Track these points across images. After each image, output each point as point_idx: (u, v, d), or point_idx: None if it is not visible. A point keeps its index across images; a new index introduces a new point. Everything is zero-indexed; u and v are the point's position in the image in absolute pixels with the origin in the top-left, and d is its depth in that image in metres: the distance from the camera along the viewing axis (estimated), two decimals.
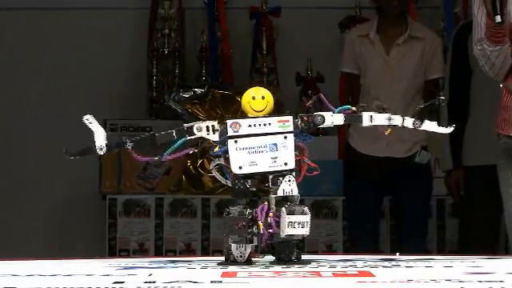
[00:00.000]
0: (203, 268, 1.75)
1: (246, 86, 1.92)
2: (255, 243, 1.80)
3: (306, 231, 1.78)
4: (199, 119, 1.89)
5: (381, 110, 1.90)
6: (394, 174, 4.40)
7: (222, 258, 1.84)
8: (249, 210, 1.79)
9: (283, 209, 1.78)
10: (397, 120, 1.85)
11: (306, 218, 1.78)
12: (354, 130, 4.38)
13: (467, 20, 5.30)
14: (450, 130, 1.87)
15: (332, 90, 5.73)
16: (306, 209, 1.79)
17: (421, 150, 4.41)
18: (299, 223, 1.77)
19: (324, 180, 5.12)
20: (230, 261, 1.81)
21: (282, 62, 5.97)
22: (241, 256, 1.80)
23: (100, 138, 1.83)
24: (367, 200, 4.50)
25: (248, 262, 1.80)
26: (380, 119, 1.86)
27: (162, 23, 5.95)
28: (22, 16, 5.86)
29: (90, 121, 1.82)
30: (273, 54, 5.94)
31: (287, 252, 1.80)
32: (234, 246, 1.80)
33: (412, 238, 4.47)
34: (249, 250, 1.80)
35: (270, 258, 1.84)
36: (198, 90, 5.50)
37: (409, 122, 1.85)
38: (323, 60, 5.79)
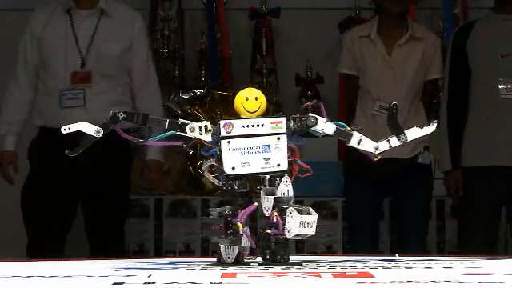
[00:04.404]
0: (203, 269, 1.75)
1: (245, 87, 1.92)
2: (244, 244, 1.80)
3: (313, 231, 1.80)
4: (198, 120, 1.89)
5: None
6: (396, 175, 4.40)
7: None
8: (227, 212, 1.79)
9: (293, 209, 1.78)
10: (383, 145, 1.86)
11: (314, 218, 1.80)
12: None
13: (466, 21, 5.32)
14: (433, 127, 1.89)
15: (332, 91, 5.74)
16: (311, 209, 1.81)
17: (424, 151, 4.41)
18: (308, 223, 1.79)
19: (324, 181, 5.13)
20: (220, 262, 1.81)
21: (281, 63, 5.97)
22: (229, 257, 1.81)
23: (87, 127, 1.85)
24: (368, 200, 4.50)
25: (237, 262, 1.81)
26: (367, 146, 1.86)
27: (161, 24, 5.96)
28: (23, 17, 5.85)
29: (67, 127, 1.84)
30: (272, 55, 5.95)
31: (282, 253, 1.81)
32: (222, 247, 1.80)
33: (412, 239, 4.47)
34: (236, 251, 1.80)
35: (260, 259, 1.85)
36: (198, 91, 5.51)
37: (395, 141, 1.87)
38: (323, 61, 5.79)
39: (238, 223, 1.78)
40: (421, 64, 4.48)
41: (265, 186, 1.82)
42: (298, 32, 6.04)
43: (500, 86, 4.37)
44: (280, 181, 1.81)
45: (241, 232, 1.78)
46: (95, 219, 4.34)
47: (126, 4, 4.53)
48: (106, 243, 4.32)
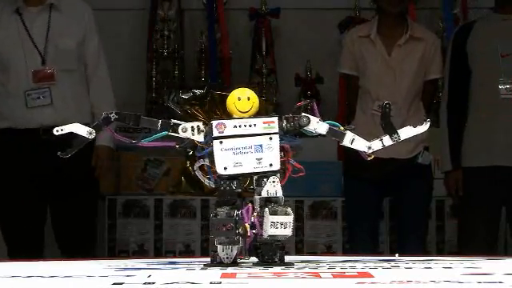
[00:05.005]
0: (203, 269, 1.75)
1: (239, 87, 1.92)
2: (241, 245, 1.80)
3: (288, 232, 1.78)
4: (198, 120, 1.90)
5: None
6: (396, 175, 4.40)
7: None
8: (236, 212, 1.79)
9: (266, 209, 1.78)
10: (376, 145, 1.86)
11: (289, 219, 1.78)
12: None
13: (466, 21, 5.32)
14: (426, 126, 1.89)
15: (331, 91, 5.74)
16: (289, 209, 1.79)
17: (423, 151, 4.41)
18: (282, 224, 1.78)
19: (323, 181, 5.12)
20: (216, 262, 1.81)
21: (281, 63, 5.97)
22: (227, 257, 1.80)
23: (79, 128, 1.86)
24: (368, 200, 4.49)
25: (234, 263, 1.81)
26: (359, 145, 1.86)
27: (161, 24, 5.96)
28: None
29: (59, 129, 1.85)
30: (272, 55, 5.95)
31: (271, 253, 1.81)
32: (220, 247, 1.80)
33: (412, 239, 4.47)
34: (235, 252, 1.80)
35: (254, 259, 1.85)
36: (198, 91, 5.50)
37: (388, 141, 1.87)
38: (322, 61, 5.79)
39: (246, 224, 1.78)
40: (421, 64, 4.48)
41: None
42: (298, 32, 6.04)
43: (500, 86, 4.37)
44: (267, 181, 1.81)
45: (249, 233, 1.78)
46: (62, 219, 4.33)
47: None
48: (75, 243, 4.31)
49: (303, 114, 1.85)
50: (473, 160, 4.45)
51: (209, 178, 1.86)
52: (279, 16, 5.93)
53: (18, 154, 4.19)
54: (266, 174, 1.81)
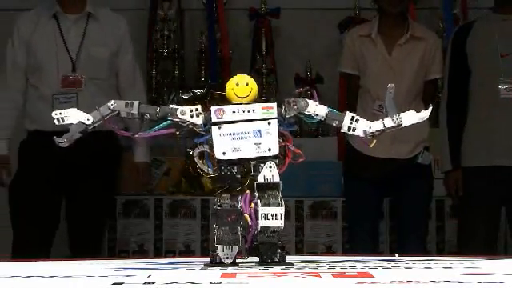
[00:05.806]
0: (202, 269, 1.75)
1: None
2: (240, 244, 1.80)
3: (279, 223, 1.77)
4: None
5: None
6: (396, 175, 4.40)
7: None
8: (241, 204, 1.79)
9: (259, 201, 1.78)
10: (377, 125, 1.86)
11: (280, 210, 1.78)
12: None
13: (466, 21, 5.32)
14: (428, 111, 1.90)
15: (332, 91, 5.74)
16: (282, 201, 1.79)
17: (423, 151, 4.41)
18: (273, 215, 1.77)
19: (323, 181, 5.12)
20: (216, 262, 1.81)
21: (281, 63, 5.97)
22: (227, 257, 1.80)
23: (77, 114, 1.86)
24: (368, 200, 4.49)
25: (234, 263, 1.80)
26: (360, 125, 1.86)
27: (161, 24, 5.96)
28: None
29: (57, 112, 1.85)
30: (272, 55, 5.95)
31: (269, 253, 1.80)
32: (220, 247, 1.80)
33: (412, 239, 4.47)
34: (235, 251, 1.80)
35: (255, 259, 1.84)
36: (198, 91, 5.50)
37: (389, 122, 1.87)
38: (322, 61, 5.79)
39: (246, 215, 1.78)
40: (421, 64, 4.48)
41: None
42: (298, 32, 6.04)
43: (500, 86, 4.37)
44: (263, 166, 1.81)
45: (250, 222, 1.78)
46: (75, 215, 4.38)
47: (108, 8, 4.56)
48: (85, 240, 4.37)
49: (301, 98, 1.85)
50: (472, 160, 4.45)
51: (207, 165, 1.86)
52: (279, 16, 5.93)
53: (42, 153, 4.22)
54: (264, 160, 1.81)
